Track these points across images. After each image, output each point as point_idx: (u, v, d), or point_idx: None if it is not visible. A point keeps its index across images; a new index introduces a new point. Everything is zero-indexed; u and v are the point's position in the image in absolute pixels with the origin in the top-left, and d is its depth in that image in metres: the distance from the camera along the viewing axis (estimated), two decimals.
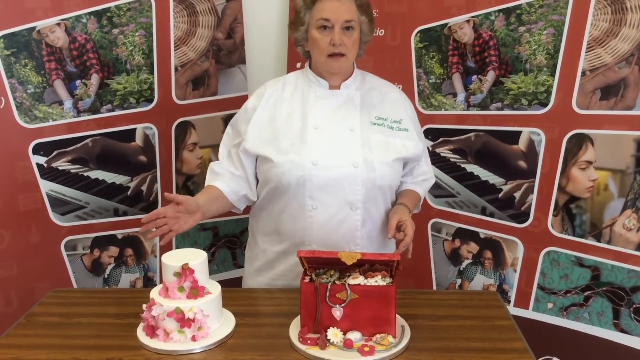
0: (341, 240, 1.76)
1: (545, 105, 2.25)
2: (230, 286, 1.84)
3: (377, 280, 1.48)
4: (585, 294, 2.27)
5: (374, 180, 1.75)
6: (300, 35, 1.79)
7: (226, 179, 1.83)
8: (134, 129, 2.48)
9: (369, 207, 1.78)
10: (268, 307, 1.69)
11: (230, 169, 1.84)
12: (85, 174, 2.41)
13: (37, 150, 2.30)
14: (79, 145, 2.39)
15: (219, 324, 1.56)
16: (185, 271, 1.50)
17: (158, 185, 2.56)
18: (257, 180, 1.87)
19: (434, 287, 2.60)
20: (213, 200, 1.79)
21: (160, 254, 2.59)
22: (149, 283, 2.59)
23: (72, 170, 2.39)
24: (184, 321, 1.47)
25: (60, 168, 2.36)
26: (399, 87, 2.48)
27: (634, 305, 2.17)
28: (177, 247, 2.63)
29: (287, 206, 1.78)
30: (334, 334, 1.45)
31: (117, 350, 1.46)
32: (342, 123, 1.78)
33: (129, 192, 2.50)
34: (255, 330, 1.56)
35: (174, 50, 2.52)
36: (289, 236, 1.80)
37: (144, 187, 2.53)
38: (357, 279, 1.49)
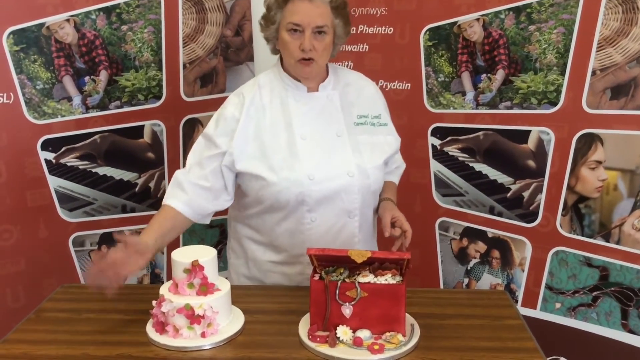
0: (340, 247, 1.73)
1: (555, 104, 2.25)
2: (239, 284, 1.84)
3: (387, 279, 1.48)
4: (594, 294, 2.26)
5: (369, 187, 1.75)
6: (270, 34, 1.71)
7: (190, 195, 1.69)
8: (142, 126, 2.48)
9: (365, 211, 1.78)
10: (277, 305, 1.69)
11: (198, 181, 1.70)
12: (94, 170, 2.42)
13: (45, 146, 2.30)
14: (87, 141, 2.39)
15: (228, 320, 1.56)
16: (195, 268, 1.50)
17: (165, 182, 2.57)
18: (231, 188, 1.76)
19: (441, 286, 2.59)
20: (167, 232, 1.68)
21: (168, 251, 2.59)
22: (156, 279, 2.60)
23: (80, 167, 2.39)
24: (194, 318, 1.47)
25: (68, 164, 2.36)
26: (407, 86, 2.49)
27: None
28: (184, 244, 2.63)
29: (284, 221, 1.73)
30: (343, 331, 1.45)
31: (127, 346, 1.47)
32: (328, 129, 1.74)
33: (136, 189, 2.50)
34: (264, 328, 1.55)
35: (183, 47, 2.53)
36: (285, 249, 1.77)
37: (151, 184, 2.54)
38: (367, 277, 1.48)
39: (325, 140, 1.73)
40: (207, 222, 1.79)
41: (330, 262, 1.53)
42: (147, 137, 2.50)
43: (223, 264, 2.72)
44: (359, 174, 1.72)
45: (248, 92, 1.75)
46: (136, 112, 2.47)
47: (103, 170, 2.43)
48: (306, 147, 1.71)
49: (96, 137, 2.40)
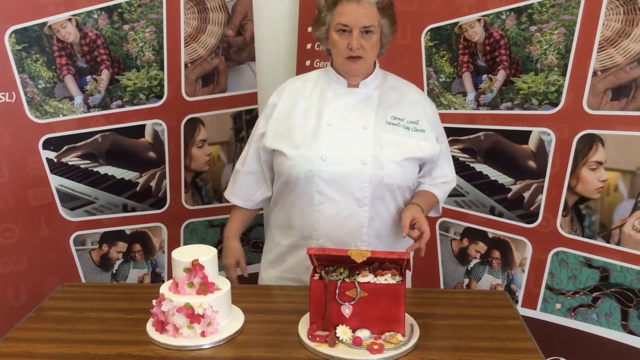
0: (347, 236, 1.77)
1: (556, 105, 2.25)
2: (238, 283, 1.84)
3: (387, 279, 1.48)
4: (594, 294, 2.26)
5: (382, 179, 1.75)
6: (321, 35, 1.80)
7: (237, 185, 1.95)
8: (144, 125, 2.49)
9: (377, 204, 1.78)
10: (277, 304, 1.70)
11: (249, 169, 1.91)
12: (95, 169, 2.42)
13: (47, 145, 2.31)
14: (88, 140, 2.40)
15: (228, 320, 1.56)
16: (195, 267, 1.51)
17: (167, 182, 2.57)
18: (268, 176, 1.91)
19: (441, 287, 2.59)
20: (241, 225, 2.01)
21: (169, 250, 2.60)
22: (157, 279, 2.60)
23: (81, 166, 2.40)
24: (194, 317, 1.48)
25: (70, 163, 2.37)
26: None
27: None
28: (185, 244, 2.64)
29: (297, 200, 1.80)
30: (343, 331, 1.45)
31: (127, 345, 1.47)
32: (356, 121, 1.79)
33: (137, 188, 2.51)
34: (264, 327, 1.56)
35: (184, 47, 2.53)
36: (298, 230, 1.82)
37: (152, 183, 2.54)
38: (367, 277, 1.48)
39: (349, 129, 1.78)
40: (260, 208, 2.04)
41: (330, 261, 1.53)
42: (148, 137, 2.51)
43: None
44: (373, 164, 1.74)
45: (292, 82, 1.91)
46: (138, 112, 2.47)
47: (104, 170, 2.43)
48: (329, 132, 1.77)
49: (97, 136, 2.41)
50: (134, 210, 2.52)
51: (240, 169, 1.94)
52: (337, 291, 1.45)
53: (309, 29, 1.88)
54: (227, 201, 2.00)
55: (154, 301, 1.54)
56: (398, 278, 1.49)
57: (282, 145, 1.80)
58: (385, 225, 1.82)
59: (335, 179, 1.74)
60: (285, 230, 1.87)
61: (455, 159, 2.50)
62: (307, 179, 1.75)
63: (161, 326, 1.51)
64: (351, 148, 1.76)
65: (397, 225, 1.82)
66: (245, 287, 1.79)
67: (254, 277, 2.01)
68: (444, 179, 1.92)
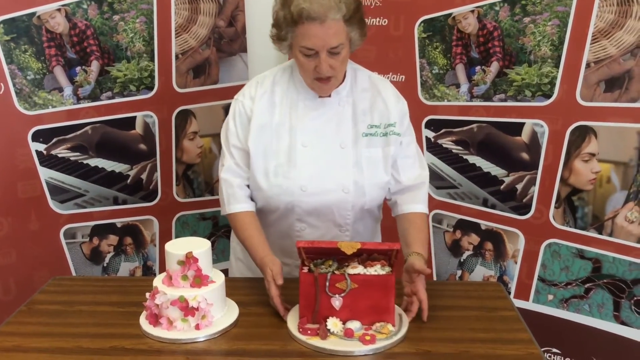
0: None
1: (549, 96, 2.24)
2: (233, 277, 1.83)
3: (377, 269, 1.48)
4: (586, 286, 2.27)
5: (364, 204, 1.72)
6: (283, 48, 1.65)
7: (241, 193, 1.72)
8: (134, 117, 2.46)
9: (357, 226, 1.76)
10: None
11: (235, 174, 1.73)
12: (85, 161, 2.39)
13: (36, 137, 2.28)
14: (78, 132, 2.37)
15: (223, 312, 1.55)
16: (189, 260, 1.49)
17: (158, 174, 2.55)
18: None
19: (434, 278, 2.59)
20: (262, 232, 1.71)
21: (160, 243, 2.58)
22: (149, 272, 2.58)
23: (71, 158, 2.37)
24: (188, 310, 1.46)
25: (59, 155, 2.34)
26: (402, 78, 2.48)
27: (635, 298, 2.18)
28: (177, 237, 2.62)
29: (276, 223, 1.74)
30: (333, 323, 1.44)
31: (120, 339, 1.45)
32: (332, 138, 1.69)
33: (128, 181, 2.48)
34: (259, 320, 1.55)
35: (175, 38, 2.50)
36: (277, 247, 1.73)
37: (143, 176, 2.52)
38: (357, 269, 1.48)
39: (327, 150, 1.68)
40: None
41: (318, 254, 1.52)
42: (139, 129, 2.48)
43: (216, 257, 2.72)
44: (355, 191, 1.68)
45: (262, 84, 1.72)
46: (128, 103, 2.44)
47: (94, 162, 2.41)
48: (305, 155, 1.67)
49: (87, 128, 2.38)
50: (124, 203, 2.49)
51: (227, 177, 1.72)
52: (327, 284, 1.44)
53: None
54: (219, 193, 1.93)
55: (147, 294, 1.52)
56: (387, 269, 1.48)
57: (254, 167, 1.67)
58: (362, 238, 1.78)
59: (317, 209, 1.68)
60: None
61: (448, 151, 2.50)
62: (287, 210, 1.69)
63: (155, 319, 1.49)
64: (331, 175, 1.67)
65: (372, 229, 1.84)
66: (240, 279, 1.78)
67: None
68: (414, 175, 1.76)
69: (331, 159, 1.68)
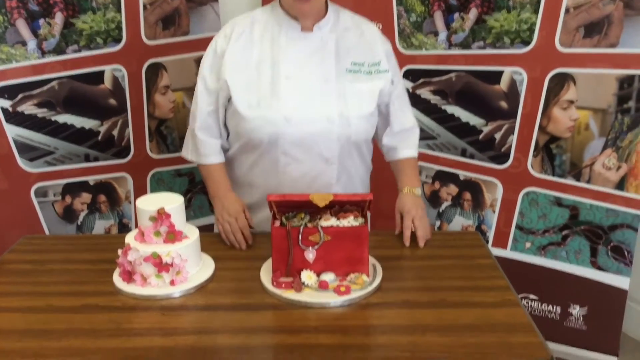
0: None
1: (528, 43, 2.20)
2: (208, 232, 1.79)
3: (350, 221, 1.46)
4: (563, 233, 2.29)
5: (349, 136, 1.69)
6: None
7: (207, 146, 1.76)
8: (102, 71, 2.38)
9: (344, 161, 1.73)
10: (247, 251, 1.66)
11: (204, 124, 1.74)
12: (53, 118, 2.31)
13: (1, 93, 2.19)
14: (45, 88, 2.28)
15: (198, 268, 1.52)
16: (162, 215, 1.45)
17: (130, 130, 2.48)
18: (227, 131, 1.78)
19: None
20: (228, 181, 1.78)
21: (135, 201, 2.52)
22: (124, 230, 2.54)
23: (38, 115, 2.29)
24: (162, 266, 1.43)
25: (26, 112, 2.26)
26: (379, 26, 2.41)
27: (612, 244, 2.20)
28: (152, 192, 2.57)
29: (259, 161, 1.71)
30: (307, 276, 1.43)
31: (93, 296, 1.42)
32: (316, 72, 1.67)
33: (99, 137, 2.41)
34: (235, 274, 1.53)
35: None
36: (261, 189, 1.73)
37: (115, 132, 2.45)
38: (330, 221, 1.46)
39: (310, 82, 1.67)
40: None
41: (290, 207, 1.49)
42: (107, 83, 2.40)
43: (193, 213, 2.69)
44: (340, 122, 1.66)
45: (239, 24, 1.72)
46: (95, 57, 2.35)
47: (63, 118, 2.33)
48: (289, 87, 1.65)
49: (54, 83, 2.29)
50: (96, 160, 2.43)
51: (194, 126, 1.75)
52: (300, 237, 1.42)
53: None
54: None
55: (119, 251, 1.49)
56: (361, 220, 1.47)
57: (237, 101, 1.65)
58: (351, 180, 1.78)
59: (302, 140, 1.66)
60: (245, 188, 1.78)
61: (426, 102, 2.46)
62: (270, 142, 1.65)
63: (128, 276, 1.46)
64: (315, 105, 1.66)
65: (362, 176, 1.82)
66: (215, 235, 1.75)
67: (210, 228, 1.95)
68: (404, 124, 1.82)
69: (315, 91, 1.67)
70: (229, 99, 1.69)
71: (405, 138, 1.83)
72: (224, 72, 1.67)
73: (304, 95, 1.66)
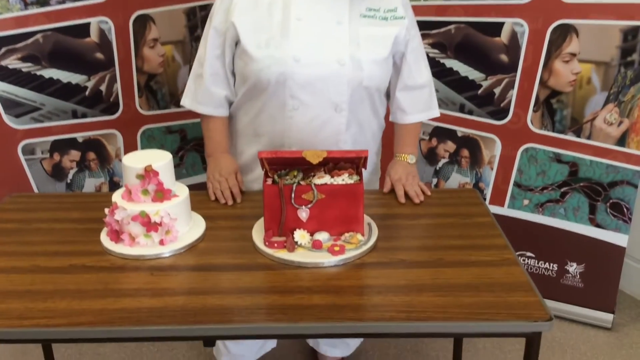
0: (323, 143, 1.65)
1: None
2: (201, 190, 1.75)
3: (344, 179, 1.41)
4: (562, 190, 2.25)
5: (361, 81, 1.61)
6: None
7: (212, 95, 1.70)
8: (88, 23, 2.29)
9: (355, 108, 1.66)
10: (239, 210, 1.62)
11: (212, 70, 1.68)
12: (38, 72, 2.24)
13: None
14: (29, 41, 2.20)
15: (188, 227, 1.48)
16: (149, 173, 1.40)
17: (118, 85, 2.40)
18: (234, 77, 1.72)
19: None
20: (227, 138, 1.76)
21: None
22: (115, 188, 2.49)
23: (23, 69, 2.21)
24: (150, 225, 1.39)
25: (10, 67, 2.18)
26: None
27: (611, 201, 2.17)
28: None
29: (266, 105, 1.65)
30: (301, 235, 1.39)
31: (81, 256, 1.39)
32: (328, 14, 1.61)
33: (87, 93, 2.34)
34: (226, 234, 1.49)
35: None
36: (267, 137, 1.68)
37: (102, 87, 2.37)
38: (323, 179, 1.41)
39: (322, 24, 1.60)
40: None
41: (282, 165, 1.44)
42: (94, 36, 2.31)
43: (185, 171, 2.64)
44: (352, 65, 1.59)
45: None
46: (80, 8, 2.26)
47: (49, 73, 2.25)
48: (299, 28, 1.59)
49: (38, 36, 2.21)
50: (84, 116, 2.36)
51: (200, 72, 1.69)
52: (292, 195, 1.37)
53: None
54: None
55: (106, 210, 1.44)
56: (356, 177, 1.42)
57: (245, 41, 1.59)
58: (361, 130, 1.72)
59: (311, 82, 1.59)
60: (251, 138, 1.73)
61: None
62: (278, 83, 1.59)
63: (116, 236, 1.42)
64: (326, 47, 1.59)
65: (374, 130, 1.76)
66: (206, 193, 1.70)
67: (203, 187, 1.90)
68: (422, 80, 1.75)
69: (327, 33, 1.60)
70: (237, 43, 1.63)
71: (415, 98, 1.76)
72: (232, 13, 1.61)
73: (315, 36, 1.59)
